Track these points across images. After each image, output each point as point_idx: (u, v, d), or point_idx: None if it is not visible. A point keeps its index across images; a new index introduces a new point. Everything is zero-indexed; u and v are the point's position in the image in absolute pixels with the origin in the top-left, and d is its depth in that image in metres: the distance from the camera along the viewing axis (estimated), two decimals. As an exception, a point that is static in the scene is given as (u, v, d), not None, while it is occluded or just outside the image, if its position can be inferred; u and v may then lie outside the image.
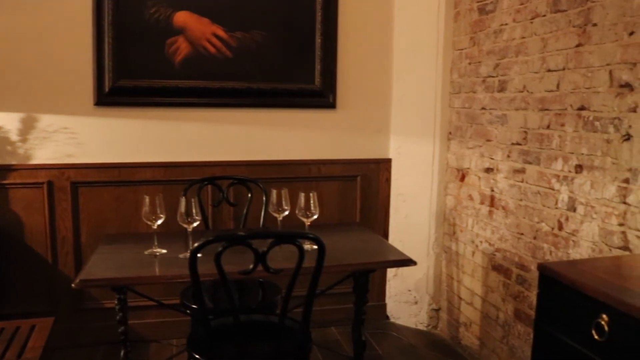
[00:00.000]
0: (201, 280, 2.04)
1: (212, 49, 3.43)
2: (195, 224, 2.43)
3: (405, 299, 3.85)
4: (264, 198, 3.11)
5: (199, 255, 1.96)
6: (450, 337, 3.66)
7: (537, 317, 1.77)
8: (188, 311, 2.80)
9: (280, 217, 2.60)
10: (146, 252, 2.47)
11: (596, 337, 1.50)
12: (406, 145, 3.72)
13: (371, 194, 3.81)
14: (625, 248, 2.22)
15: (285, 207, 2.60)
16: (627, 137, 2.21)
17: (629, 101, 2.20)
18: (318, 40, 3.56)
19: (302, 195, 2.52)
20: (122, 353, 2.49)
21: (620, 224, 2.24)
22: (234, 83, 3.49)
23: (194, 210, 2.41)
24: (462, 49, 3.43)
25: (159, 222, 2.47)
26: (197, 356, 2.20)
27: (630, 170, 2.19)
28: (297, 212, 2.53)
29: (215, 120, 3.51)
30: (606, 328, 1.47)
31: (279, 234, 2.04)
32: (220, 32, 3.42)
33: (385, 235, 3.83)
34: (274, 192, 2.60)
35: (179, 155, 3.48)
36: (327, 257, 2.07)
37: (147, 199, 2.44)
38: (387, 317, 3.96)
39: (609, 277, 1.62)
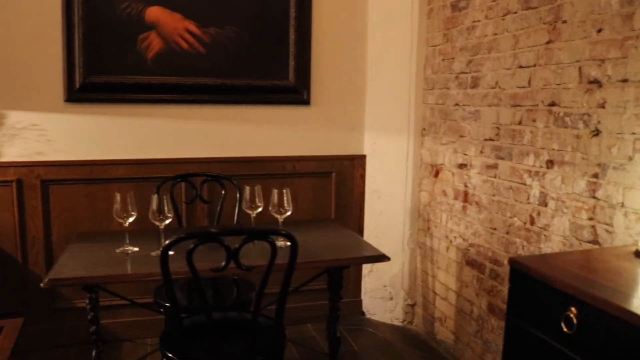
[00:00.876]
0: (175, 278, 2.02)
1: (184, 45, 3.39)
2: (167, 222, 2.41)
3: (381, 294, 3.86)
4: (238, 195, 3.09)
5: (170, 252, 1.94)
6: (425, 332, 3.68)
7: (508, 310, 1.78)
8: (161, 309, 2.77)
9: (253, 213, 2.59)
10: (117, 251, 2.44)
11: (565, 329, 1.52)
12: (381, 141, 3.72)
13: (346, 191, 3.81)
14: (595, 242, 2.25)
15: (259, 204, 2.58)
16: (596, 133, 2.24)
17: (597, 97, 2.23)
18: (292, 37, 3.55)
19: (275, 192, 2.51)
20: (93, 353, 2.46)
21: (590, 218, 2.27)
22: (207, 79, 3.46)
23: (165, 208, 2.38)
24: (435, 46, 3.44)
25: (131, 219, 2.44)
26: (169, 355, 2.18)
27: (599, 165, 2.22)
28: (270, 208, 2.52)
29: (189, 117, 3.48)
30: (575, 321, 1.49)
31: (251, 230, 2.02)
32: (193, 28, 3.39)
33: (360, 231, 3.84)
34: (247, 189, 2.59)
35: (151, 152, 3.44)
36: (300, 253, 2.07)
37: (118, 197, 2.41)
38: (363, 313, 3.97)
39: (578, 271, 1.63)
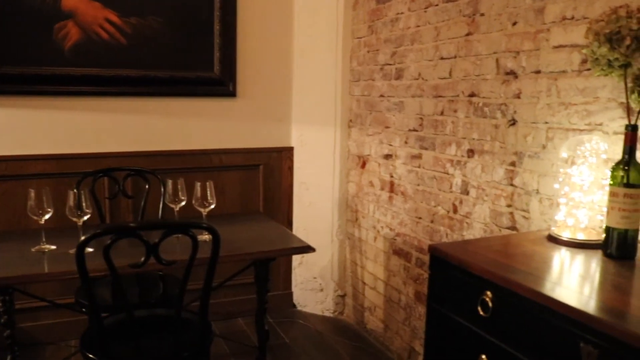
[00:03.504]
0: (101, 276, 1.94)
1: (104, 35, 3.28)
2: (85, 218, 2.32)
3: (311, 286, 3.87)
4: (163, 189, 3.02)
5: (90, 250, 1.88)
6: (356, 322, 3.72)
7: (428, 296, 1.82)
8: (84, 309, 2.68)
9: (176, 207, 2.53)
10: (33, 250, 2.33)
11: (482, 313, 1.56)
12: (308, 133, 3.72)
13: (274, 183, 3.79)
14: (513, 228, 2.32)
15: (182, 198, 2.53)
16: (513, 122, 2.31)
17: (513, 88, 2.30)
18: (217, 27, 3.48)
19: (198, 185, 2.46)
20: (8, 358, 2.35)
21: (509, 205, 2.34)
22: (129, 71, 3.36)
23: (84, 204, 2.30)
24: (361, 38, 3.46)
25: (47, 216, 2.34)
26: (90, 355, 2.11)
27: (516, 153, 2.30)
28: (193, 202, 2.48)
29: (110, 110, 3.36)
30: (490, 304, 1.53)
31: (171, 224, 1.98)
32: (113, 17, 3.28)
33: (289, 223, 3.83)
34: (170, 183, 2.53)
35: (72, 146, 3.31)
36: (225, 246, 2.04)
37: (32, 193, 2.30)
38: (294, 306, 3.97)
39: (494, 256, 1.68)
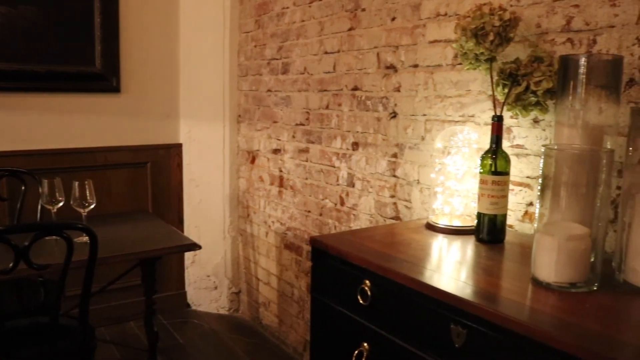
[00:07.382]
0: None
1: (-30, 26, 3.05)
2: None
3: (205, 285, 3.81)
4: (40, 190, 2.86)
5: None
6: (251, 319, 3.70)
7: (312, 288, 1.83)
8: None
9: (54, 209, 2.40)
10: None
11: (361, 301, 1.59)
12: (196, 129, 3.66)
13: (163, 181, 3.69)
14: (397, 218, 2.39)
15: (60, 198, 2.40)
16: (394, 115, 2.37)
17: (393, 81, 2.36)
18: (97, 19, 3.33)
19: (76, 184, 2.34)
20: None
21: (392, 196, 2.41)
22: (1, 64, 3.14)
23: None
24: (248, 32, 3.44)
25: None
26: (-44, 371, 1.97)
27: (397, 145, 2.37)
28: (71, 202, 2.36)
29: (-19, 107, 3.15)
30: (369, 293, 1.56)
31: (40, 226, 1.88)
32: (-21, 7, 3.06)
33: (180, 222, 3.75)
34: (46, 183, 2.39)
35: (-63, 147, 3.07)
36: (107, 247, 1.97)
37: None
38: (188, 305, 3.89)
39: (374, 246, 1.72)
